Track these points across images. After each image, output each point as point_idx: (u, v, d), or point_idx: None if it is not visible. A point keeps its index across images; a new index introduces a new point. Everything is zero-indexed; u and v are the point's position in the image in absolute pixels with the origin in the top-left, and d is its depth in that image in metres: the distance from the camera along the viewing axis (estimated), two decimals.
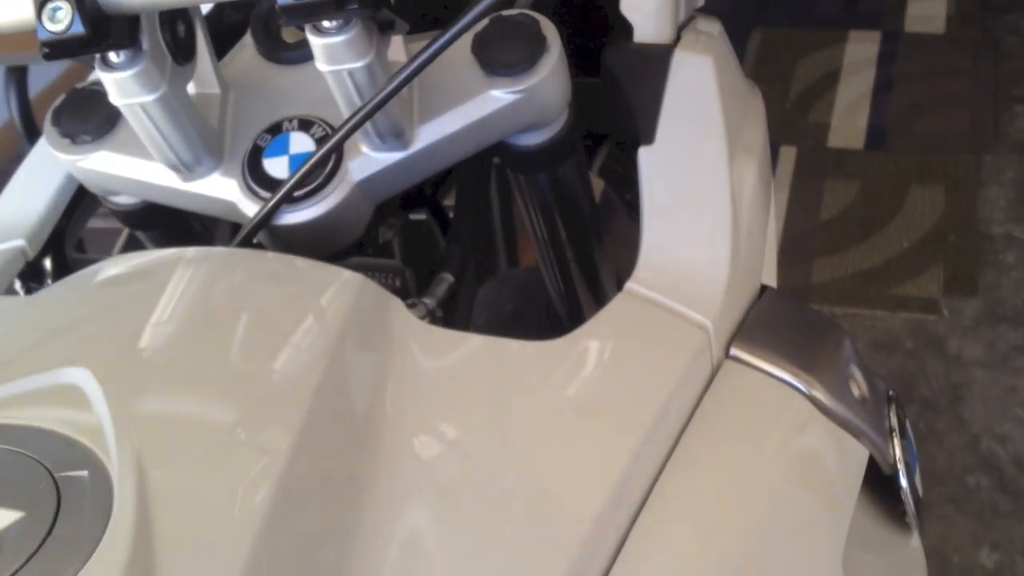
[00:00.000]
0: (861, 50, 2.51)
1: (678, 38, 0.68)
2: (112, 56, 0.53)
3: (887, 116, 2.34)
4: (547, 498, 0.46)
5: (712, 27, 0.72)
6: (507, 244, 1.01)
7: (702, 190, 0.60)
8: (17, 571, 0.36)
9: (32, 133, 0.83)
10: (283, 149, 0.60)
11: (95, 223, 0.77)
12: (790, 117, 2.38)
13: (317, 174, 0.58)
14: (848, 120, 2.35)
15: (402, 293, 0.62)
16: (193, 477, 0.42)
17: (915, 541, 0.65)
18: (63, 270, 0.72)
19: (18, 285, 0.70)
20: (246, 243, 0.58)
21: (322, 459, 0.44)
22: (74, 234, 0.75)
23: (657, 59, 0.65)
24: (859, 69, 2.47)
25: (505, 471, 0.47)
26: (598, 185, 0.85)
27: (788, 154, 2.29)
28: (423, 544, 0.44)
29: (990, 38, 2.48)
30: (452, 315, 0.64)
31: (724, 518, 0.49)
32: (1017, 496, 1.62)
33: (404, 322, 0.53)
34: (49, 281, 0.72)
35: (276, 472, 0.41)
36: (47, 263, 0.72)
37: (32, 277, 0.71)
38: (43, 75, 1.39)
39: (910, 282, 1.96)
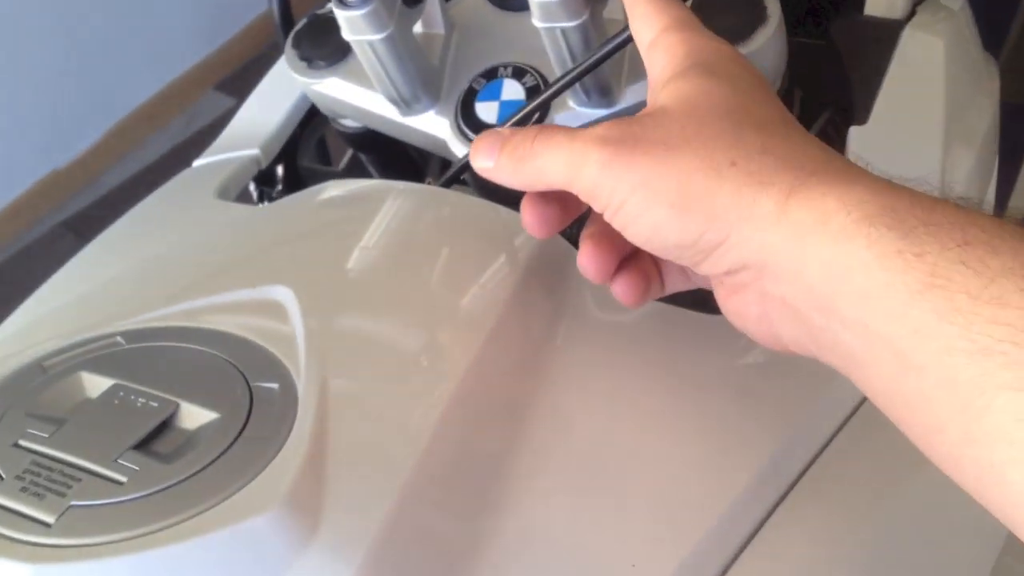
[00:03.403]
0: None
1: (913, 12, 0.65)
2: None
3: None
4: (702, 459, 0.48)
5: (954, 2, 0.69)
6: None
7: (908, 181, 0.58)
8: (207, 466, 0.40)
9: (288, 25, 0.86)
10: (496, 95, 0.62)
11: None
12: None
13: (524, 123, 0.60)
14: None
15: None
16: (371, 396, 0.46)
17: None
18: (293, 178, 0.78)
19: (252, 188, 0.77)
20: (451, 182, 0.61)
21: (489, 390, 0.47)
22: (306, 147, 0.81)
23: (885, 35, 0.63)
24: None
25: (661, 426, 0.49)
26: None
27: None
28: (573, 474, 0.47)
29: None
30: None
31: (868, 509, 0.49)
32: None
33: (581, 276, 0.55)
34: (280, 187, 0.78)
35: (445, 399, 0.45)
36: (280, 170, 0.78)
37: (266, 183, 0.77)
38: None
39: None
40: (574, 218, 0.48)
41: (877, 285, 0.33)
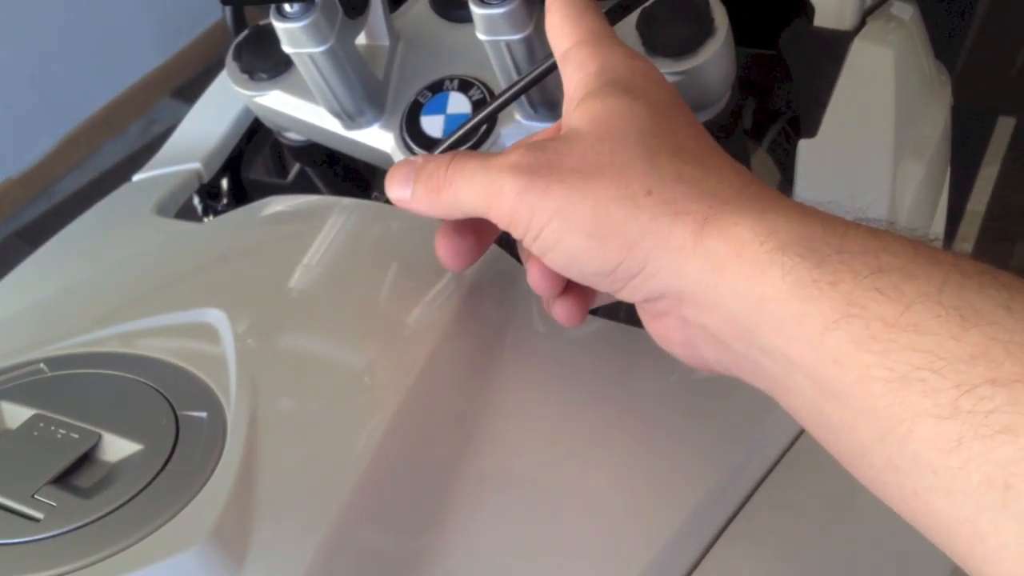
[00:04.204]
0: None
1: (863, 23, 0.64)
2: (286, 7, 0.56)
3: None
4: (652, 477, 0.47)
5: (905, 11, 0.68)
6: None
7: (858, 192, 0.57)
8: (129, 500, 0.39)
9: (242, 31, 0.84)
10: (441, 108, 0.61)
11: None
12: (1013, 85, 2.21)
13: (469, 137, 0.59)
14: None
15: None
16: (306, 421, 0.44)
17: None
18: (239, 192, 0.77)
19: (197, 202, 0.75)
20: None
21: (431, 411, 0.46)
22: (252, 159, 0.79)
23: (834, 46, 0.62)
24: None
25: (609, 445, 0.48)
26: (771, 164, 0.83)
27: (1005, 125, 2.14)
28: (518, 493, 0.46)
29: None
30: None
31: (825, 521, 0.49)
32: None
33: (528, 291, 0.54)
34: (225, 201, 0.76)
35: (387, 419, 0.43)
36: (225, 183, 0.76)
37: (211, 196, 0.75)
38: None
39: None
40: (488, 246, 0.48)
41: (793, 315, 0.33)
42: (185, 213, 0.71)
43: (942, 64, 0.75)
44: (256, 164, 0.82)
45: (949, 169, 0.70)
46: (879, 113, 0.60)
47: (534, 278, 0.45)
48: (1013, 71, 2.23)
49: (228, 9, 0.81)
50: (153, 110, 2.67)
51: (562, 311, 0.46)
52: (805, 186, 0.58)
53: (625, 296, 0.39)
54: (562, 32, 0.44)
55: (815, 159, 0.59)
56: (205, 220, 0.74)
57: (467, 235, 0.46)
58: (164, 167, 0.72)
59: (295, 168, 0.86)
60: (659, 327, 0.41)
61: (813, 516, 0.48)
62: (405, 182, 0.44)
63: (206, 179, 0.72)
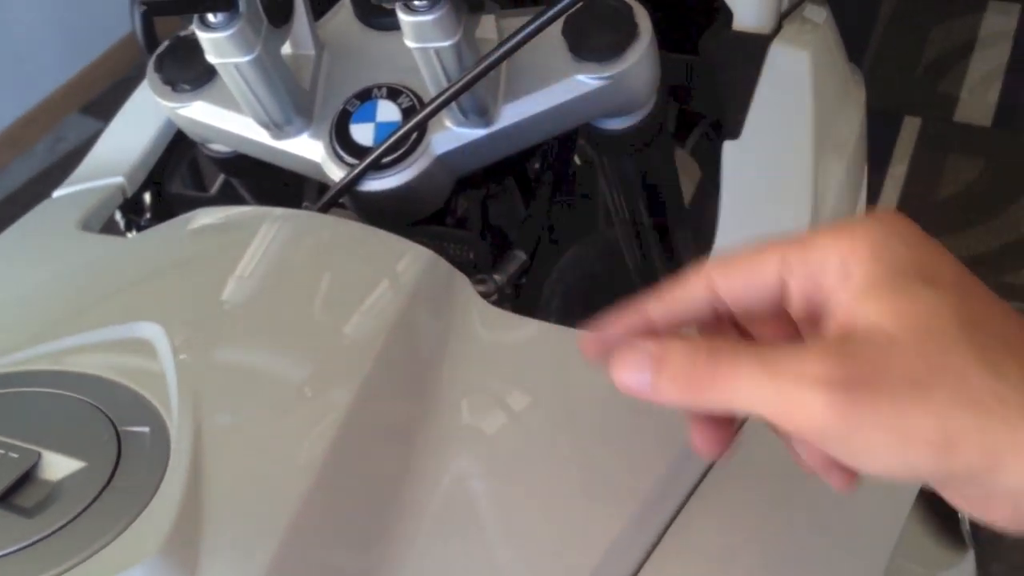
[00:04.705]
0: (999, 22, 2.40)
1: (779, 27, 0.66)
2: (210, 17, 0.55)
3: (1019, 94, 2.23)
4: (594, 481, 0.47)
5: (819, 15, 0.70)
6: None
7: (782, 192, 0.59)
8: (74, 519, 0.38)
9: (153, 45, 0.83)
10: (370, 116, 0.61)
11: None
12: (918, 85, 2.29)
13: (400, 145, 0.59)
14: (978, 95, 2.25)
15: (474, 266, 0.63)
16: (249, 435, 0.44)
17: (970, 559, 0.65)
18: (162, 206, 0.75)
19: (119, 217, 0.73)
20: (330, 206, 0.60)
21: (377, 418, 0.46)
22: (173, 172, 0.78)
23: (753, 49, 0.64)
24: (995, 42, 2.36)
25: (553, 448, 0.48)
26: (694, 167, 0.84)
27: (912, 125, 2.21)
28: (464, 499, 0.46)
29: None
30: (522, 293, 0.65)
31: (769, 516, 0.50)
32: None
33: (468, 299, 0.54)
34: (149, 215, 0.75)
35: (329, 434, 0.43)
36: (147, 198, 0.75)
37: (133, 211, 0.74)
38: None
39: None
40: (741, 426, 0.43)
41: None
42: (107, 229, 0.70)
43: (856, 67, 0.77)
44: (175, 178, 0.81)
45: (866, 168, 0.73)
46: (799, 113, 0.62)
47: (699, 440, 0.42)
48: (918, 71, 2.31)
49: (138, 23, 0.80)
50: (60, 127, 2.61)
51: (709, 444, 0.43)
52: (731, 188, 0.60)
53: (951, 492, 0.37)
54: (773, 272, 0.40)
55: (739, 160, 0.61)
56: (128, 235, 0.73)
57: (724, 422, 0.42)
58: (85, 182, 0.71)
59: (219, 180, 0.85)
60: (978, 505, 0.38)
61: (748, 515, 0.49)
62: (639, 369, 0.39)
63: (129, 193, 0.71)
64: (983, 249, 1.95)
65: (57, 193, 0.71)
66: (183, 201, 0.77)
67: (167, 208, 0.75)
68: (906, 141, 2.18)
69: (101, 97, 2.64)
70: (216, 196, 0.87)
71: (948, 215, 2.03)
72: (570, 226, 0.86)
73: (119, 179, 0.70)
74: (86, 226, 0.65)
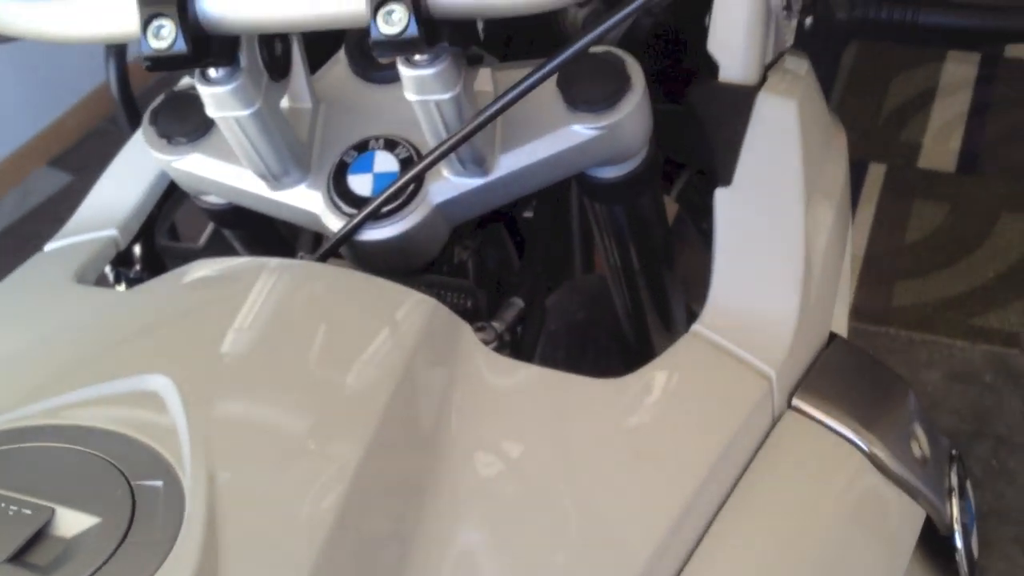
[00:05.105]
0: (959, 71, 2.46)
1: (764, 78, 0.68)
2: (211, 71, 0.56)
3: (981, 140, 2.29)
4: (602, 533, 0.47)
5: (800, 66, 0.72)
6: (585, 250, 1.02)
7: (775, 237, 0.60)
8: (93, 574, 0.38)
9: (129, 106, 0.82)
10: (368, 167, 0.61)
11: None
12: (881, 134, 2.34)
13: (399, 194, 0.60)
14: (941, 141, 2.30)
15: (473, 314, 0.63)
16: (263, 489, 0.44)
17: None
18: (152, 258, 0.75)
19: (109, 270, 0.73)
20: (328, 257, 0.60)
21: (388, 471, 0.46)
22: (164, 224, 0.78)
23: (741, 100, 0.65)
24: (956, 90, 2.41)
25: (562, 501, 0.49)
26: (672, 209, 0.85)
27: (877, 172, 2.25)
28: (478, 557, 0.46)
29: None
30: (521, 340, 0.65)
31: (775, 566, 0.50)
32: None
33: (471, 346, 0.54)
34: (138, 268, 0.75)
35: (342, 488, 0.43)
36: (138, 250, 0.75)
37: (123, 264, 0.74)
38: None
39: (993, 313, 1.92)
40: None
41: None
42: (100, 282, 0.69)
43: (835, 114, 0.79)
44: (163, 231, 0.81)
45: (851, 213, 0.74)
46: (788, 159, 0.63)
47: None
48: (881, 120, 2.36)
49: (113, 77, 0.80)
50: (28, 180, 2.59)
51: None
52: (725, 234, 0.61)
53: None
54: None
55: (732, 207, 0.62)
56: (118, 288, 0.73)
57: None
58: (77, 235, 0.70)
59: (208, 231, 0.85)
60: None
61: (755, 564, 0.50)
62: None
63: (123, 246, 0.71)
64: (951, 293, 1.99)
65: (49, 247, 0.70)
66: (174, 254, 0.77)
67: (158, 261, 0.75)
68: (872, 188, 2.22)
69: (70, 150, 2.63)
70: (204, 247, 0.87)
71: (916, 259, 2.06)
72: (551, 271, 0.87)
73: (112, 232, 0.70)
74: (81, 279, 0.65)
